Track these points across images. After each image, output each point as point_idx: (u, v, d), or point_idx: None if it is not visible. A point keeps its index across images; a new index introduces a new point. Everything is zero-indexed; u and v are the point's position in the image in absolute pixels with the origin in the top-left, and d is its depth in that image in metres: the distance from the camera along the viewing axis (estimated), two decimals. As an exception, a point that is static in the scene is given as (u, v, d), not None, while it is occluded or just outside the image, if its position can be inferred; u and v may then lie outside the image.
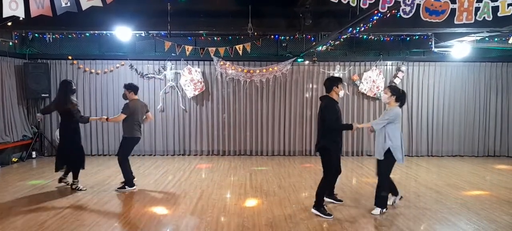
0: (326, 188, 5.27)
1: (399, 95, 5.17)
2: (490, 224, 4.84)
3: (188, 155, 9.83)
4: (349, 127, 5.35)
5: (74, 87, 6.39)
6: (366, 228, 4.68)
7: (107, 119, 6.65)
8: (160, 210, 5.35)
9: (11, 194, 6.07)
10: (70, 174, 6.41)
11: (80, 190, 6.28)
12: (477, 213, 5.24)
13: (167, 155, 9.84)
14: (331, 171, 5.19)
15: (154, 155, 9.80)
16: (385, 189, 5.22)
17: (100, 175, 7.44)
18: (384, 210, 5.23)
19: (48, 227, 4.61)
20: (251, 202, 5.72)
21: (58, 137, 6.46)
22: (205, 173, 7.75)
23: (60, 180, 6.54)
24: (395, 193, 5.54)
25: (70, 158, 6.31)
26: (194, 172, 7.82)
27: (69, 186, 6.43)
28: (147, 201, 5.76)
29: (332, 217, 5.01)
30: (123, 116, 6.30)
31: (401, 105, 5.22)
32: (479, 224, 4.82)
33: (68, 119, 6.21)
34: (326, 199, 5.45)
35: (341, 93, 5.27)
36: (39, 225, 4.67)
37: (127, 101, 6.44)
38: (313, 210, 5.16)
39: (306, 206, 5.52)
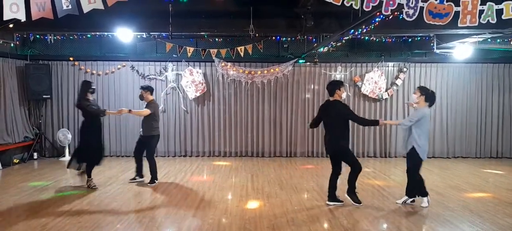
0: (356, 176, 5.55)
1: (428, 95, 5.39)
2: (492, 226, 4.82)
3: (190, 156, 9.82)
4: (376, 122, 5.84)
5: (94, 87, 6.59)
6: (368, 230, 4.67)
7: (129, 111, 6.79)
8: (161, 211, 5.34)
9: (12, 196, 6.06)
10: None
11: (93, 187, 6.49)
12: (480, 216, 5.21)
13: (168, 156, 9.83)
14: (356, 162, 5.51)
15: (156, 156, 9.73)
16: (415, 181, 5.52)
17: (101, 177, 7.42)
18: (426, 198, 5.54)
19: (49, 229, 4.60)
20: (252, 204, 5.70)
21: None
22: (207, 174, 7.74)
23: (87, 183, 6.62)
24: (411, 195, 5.67)
25: (87, 156, 6.48)
26: (196, 173, 7.82)
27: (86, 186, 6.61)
28: (148, 202, 5.75)
29: (362, 204, 5.53)
30: (148, 112, 6.60)
31: (430, 106, 5.48)
32: (482, 227, 4.79)
33: (88, 118, 6.41)
34: (329, 203, 5.67)
35: (344, 95, 5.66)
36: (41, 227, 4.66)
37: (147, 101, 6.75)
38: (346, 195, 5.60)
39: (307, 207, 5.51)
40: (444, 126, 9.94)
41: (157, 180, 6.92)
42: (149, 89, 6.85)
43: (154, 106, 6.79)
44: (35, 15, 4.11)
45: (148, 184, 6.78)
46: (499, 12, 4.08)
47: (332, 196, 5.67)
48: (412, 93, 5.89)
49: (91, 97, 6.45)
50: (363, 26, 6.17)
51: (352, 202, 5.56)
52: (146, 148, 6.85)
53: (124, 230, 4.62)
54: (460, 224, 4.91)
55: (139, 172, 7.03)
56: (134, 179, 7.03)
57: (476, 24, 4.01)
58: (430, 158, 9.86)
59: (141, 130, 6.84)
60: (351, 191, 5.61)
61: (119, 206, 5.56)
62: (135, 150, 7.04)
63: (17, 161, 8.82)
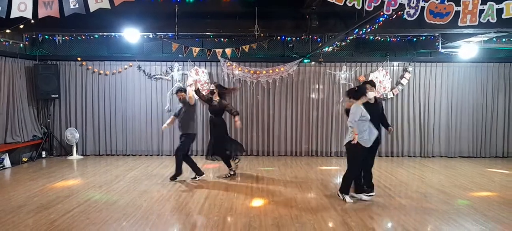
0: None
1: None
2: (497, 225, 4.83)
3: (195, 155, 9.86)
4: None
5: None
6: (372, 228, 4.69)
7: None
8: (167, 209, 5.41)
9: (21, 193, 6.18)
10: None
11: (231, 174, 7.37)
12: (485, 215, 5.22)
13: (174, 155, 9.88)
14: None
15: (161, 155, 9.89)
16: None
17: (108, 175, 7.53)
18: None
19: (58, 225, 4.70)
20: (257, 202, 5.76)
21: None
22: (212, 173, 7.80)
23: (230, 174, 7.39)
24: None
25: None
26: (201, 172, 7.88)
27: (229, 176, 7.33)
28: (155, 200, 5.82)
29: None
30: (193, 99, 7.03)
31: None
32: (487, 226, 4.81)
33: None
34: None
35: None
36: (49, 223, 4.76)
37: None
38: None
39: (312, 206, 5.55)
40: (450, 125, 9.92)
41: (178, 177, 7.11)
42: (184, 90, 7.18)
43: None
44: (42, 13, 4.15)
45: (170, 179, 7.09)
46: (499, 12, 4.10)
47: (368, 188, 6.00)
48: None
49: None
50: (367, 26, 6.20)
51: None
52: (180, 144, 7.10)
53: (130, 227, 4.70)
54: (464, 222, 4.93)
55: (196, 170, 7.18)
56: (195, 177, 7.16)
57: (476, 23, 4.02)
58: (434, 157, 9.88)
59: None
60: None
61: (126, 203, 5.64)
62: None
63: (26, 159, 8.97)
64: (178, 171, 7.05)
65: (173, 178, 7.06)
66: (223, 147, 7.18)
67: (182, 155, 7.04)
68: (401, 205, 5.61)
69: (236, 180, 7.24)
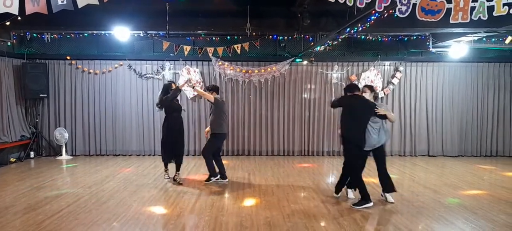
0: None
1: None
2: (487, 223, 4.86)
3: (187, 155, 9.79)
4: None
5: (168, 87, 6.81)
6: (364, 227, 4.69)
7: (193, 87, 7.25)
8: (158, 209, 5.36)
9: (9, 194, 6.06)
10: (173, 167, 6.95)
11: (180, 183, 6.73)
12: (475, 213, 5.26)
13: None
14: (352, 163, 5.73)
15: (153, 155, 9.80)
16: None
17: (98, 175, 7.43)
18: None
19: (46, 226, 4.61)
20: (249, 202, 5.73)
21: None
22: (204, 173, 7.73)
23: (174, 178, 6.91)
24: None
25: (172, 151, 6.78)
26: (192, 172, 7.83)
27: (172, 179, 6.92)
28: (145, 200, 5.76)
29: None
30: (211, 97, 6.69)
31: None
32: (477, 223, 4.84)
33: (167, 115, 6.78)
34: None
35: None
36: (37, 224, 4.67)
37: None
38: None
39: (304, 205, 5.54)
40: (440, 124, 10.00)
41: (214, 178, 6.80)
42: (214, 89, 6.88)
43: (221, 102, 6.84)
44: (29, 9, 4.03)
45: (204, 182, 6.79)
46: (491, 9, 4.12)
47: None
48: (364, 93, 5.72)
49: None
50: (359, 25, 6.22)
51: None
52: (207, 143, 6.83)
53: (121, 227, 4.63)
54: (455, 220, 4.95)
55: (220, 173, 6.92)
56: (209, 179, 6.88)
57: (468, 20, 4.04)
58: (425, 156, 9.95)
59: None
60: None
61: (116, 203, 5.56)
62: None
63: (14, 160, 8.81)
64: (211, 172, 6.75)
65: (208, 180, 6.79)
66: (181, 149, 6.97)
67: (211, 156, 6.75)
68: (393, 204, 5.62)
69: (228, 180, 7.18)
